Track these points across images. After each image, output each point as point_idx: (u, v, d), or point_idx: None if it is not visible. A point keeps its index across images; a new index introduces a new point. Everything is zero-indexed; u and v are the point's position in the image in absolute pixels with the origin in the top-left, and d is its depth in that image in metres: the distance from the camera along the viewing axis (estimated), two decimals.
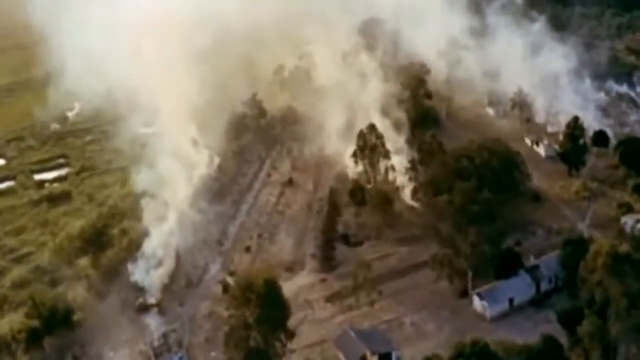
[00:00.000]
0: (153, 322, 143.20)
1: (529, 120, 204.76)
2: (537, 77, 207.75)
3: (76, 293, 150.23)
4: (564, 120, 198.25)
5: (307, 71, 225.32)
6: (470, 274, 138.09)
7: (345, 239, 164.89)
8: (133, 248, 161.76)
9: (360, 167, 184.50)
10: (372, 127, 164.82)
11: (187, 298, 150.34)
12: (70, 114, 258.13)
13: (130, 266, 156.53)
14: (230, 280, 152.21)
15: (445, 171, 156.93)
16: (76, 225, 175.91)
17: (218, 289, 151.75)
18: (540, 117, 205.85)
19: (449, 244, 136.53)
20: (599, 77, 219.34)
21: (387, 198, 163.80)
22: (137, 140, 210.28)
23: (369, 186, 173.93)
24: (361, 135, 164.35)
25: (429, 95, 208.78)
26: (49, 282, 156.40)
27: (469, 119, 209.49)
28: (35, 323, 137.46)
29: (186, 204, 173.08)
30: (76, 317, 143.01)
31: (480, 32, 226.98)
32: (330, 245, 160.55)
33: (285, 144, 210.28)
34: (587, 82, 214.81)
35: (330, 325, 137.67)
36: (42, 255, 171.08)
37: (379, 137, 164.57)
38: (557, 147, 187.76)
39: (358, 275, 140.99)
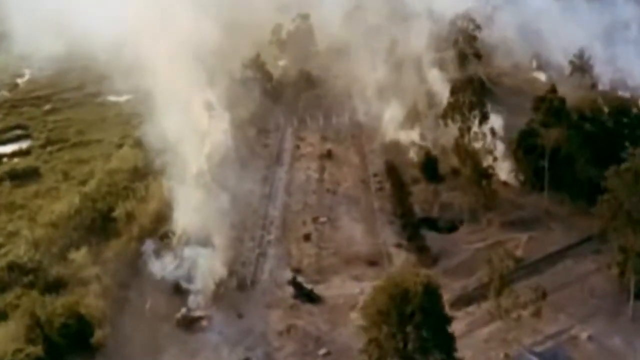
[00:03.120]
0: (209, 344, 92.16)
1: (594, 86, 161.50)
2: (591, 34, 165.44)
3: (88, 303, 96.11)
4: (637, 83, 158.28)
5: (311, 31, 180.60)
6: None
7: (431, 223, 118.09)
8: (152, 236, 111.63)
9: (414, 136, 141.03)
10: (469, 81, 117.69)
11: (245, 306, 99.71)
12: (20, 81, 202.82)
13: (149, 259, 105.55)
14: (301, 280, 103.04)
15: (569, 137, 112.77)
16: (57, 208, 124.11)
17: (284, 291, 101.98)
18: (603, 83, 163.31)
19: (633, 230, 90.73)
20: None
21: (485, 172, 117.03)
22: (111, 109, 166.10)
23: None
24: (455, 90, 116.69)
25: (478, 56, 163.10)
26: (40, 286, 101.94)
27: (518, 86, 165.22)
28: (37, 350, 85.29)
29: (208, 178, 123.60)
30: (95, 338, 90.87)
31: None
32: (417, 232, 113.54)
33: (306, 112, 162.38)
34: None
35: (474, 344, 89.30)
36: (17, 248, 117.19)
37: (477, 92, 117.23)
38: None
39: (501, 272, 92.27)
